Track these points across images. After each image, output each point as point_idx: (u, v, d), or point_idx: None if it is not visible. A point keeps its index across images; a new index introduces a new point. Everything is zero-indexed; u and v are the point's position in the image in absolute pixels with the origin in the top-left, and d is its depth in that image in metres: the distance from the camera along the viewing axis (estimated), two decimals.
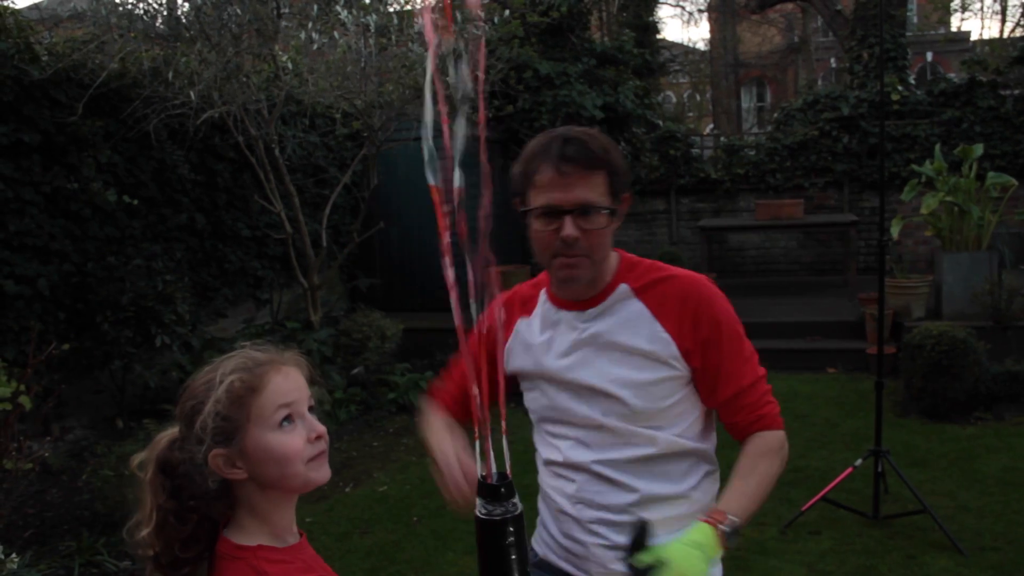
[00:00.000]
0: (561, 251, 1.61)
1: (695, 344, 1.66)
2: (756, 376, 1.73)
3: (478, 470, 1.15)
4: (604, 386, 1.67)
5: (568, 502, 1.74)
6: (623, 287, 1.71)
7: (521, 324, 1.81)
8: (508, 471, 1.14)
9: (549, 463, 1.80)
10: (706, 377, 1.69)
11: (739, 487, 1.60)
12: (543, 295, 1.79)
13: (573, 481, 1.73)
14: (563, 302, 1.74)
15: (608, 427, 1.69)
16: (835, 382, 6.99)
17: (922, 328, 6.00)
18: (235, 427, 1.25)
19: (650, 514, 1.57)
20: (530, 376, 1.79)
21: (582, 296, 1.71)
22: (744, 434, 1.70)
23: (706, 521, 1.49)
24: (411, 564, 4.11)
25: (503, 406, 1.17)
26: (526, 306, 1.82)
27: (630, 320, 1.68)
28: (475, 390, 1.13)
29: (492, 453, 1.12)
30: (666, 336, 1.66)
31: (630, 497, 1.68)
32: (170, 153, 6.46)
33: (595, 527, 1.71)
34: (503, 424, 1.15)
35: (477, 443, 1.14)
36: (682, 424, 1.71)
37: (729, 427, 1.73)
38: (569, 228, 1.58)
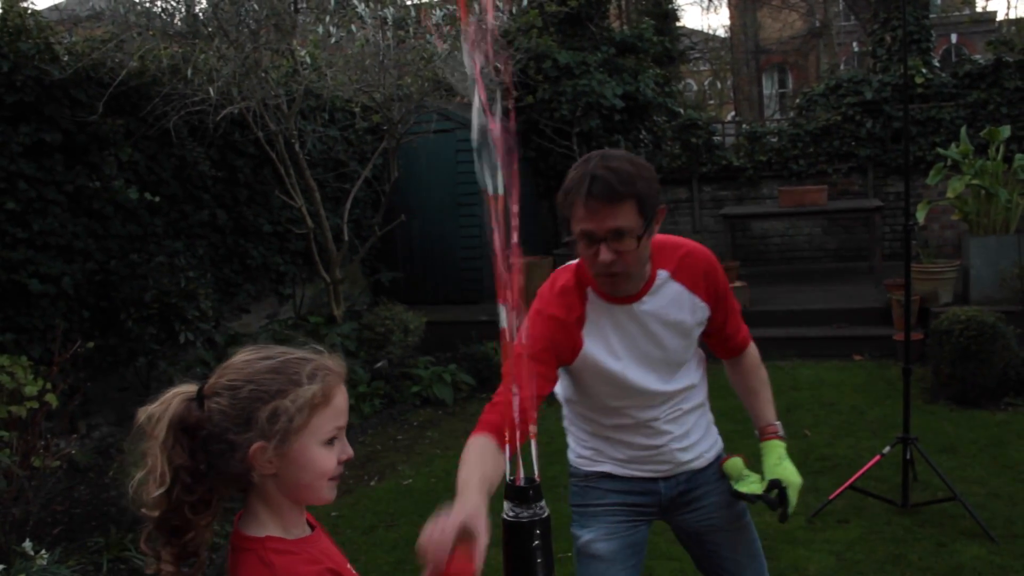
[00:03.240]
0: (600, 272, 1.93)
1: (716, 302, 2.12)
2: (739, 308, 2.26)
3: (507, 472, 1.14)
4: (664, 356, 2.09)
5: (641, 438, 2.17)
6: (662, 273, 2.06)
7: (586, 320, 2.06)
8: (537, 475, 1.13)
9: (614, 427, 2.17)
10: (717, 320, 2.16)
11: (765, 397, 2.26)
12: (590, 294, 2.05)
13: (645, 431, 2.16)
14: (614, 298, 2.04)
15: (664, 392, 2.12)
16: (862, 369, 6.92)
17: (950, 313, 5.92)
18: (295, 431, 1.25)
19: (692, 422, 2.20)
20: (597, 365, 2.07)
21: (632, 292, 2.03)
22: (734, 350, 2.26)
23: (773, 438, 2.19)
24: None
25: (534, 410, 1.16)
26: (578, 303, 2.07)
27: (675, 300, 2.07)
28: (514, 394, 1.13)
29: (521, 456, 1.11)
30: (703, 304, 2.10)
31: (687, 425, 2.21)
32: (190, 150, 6.48)
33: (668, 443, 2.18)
34: (533, 428, 1.14)
35: (507, 447, 1.13)
36: (695, 361, 2.20)
37: (720, 345, 2.25)
38: (604, 254, 1.87)
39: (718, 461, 2.26)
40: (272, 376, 1.26)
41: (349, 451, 1.34)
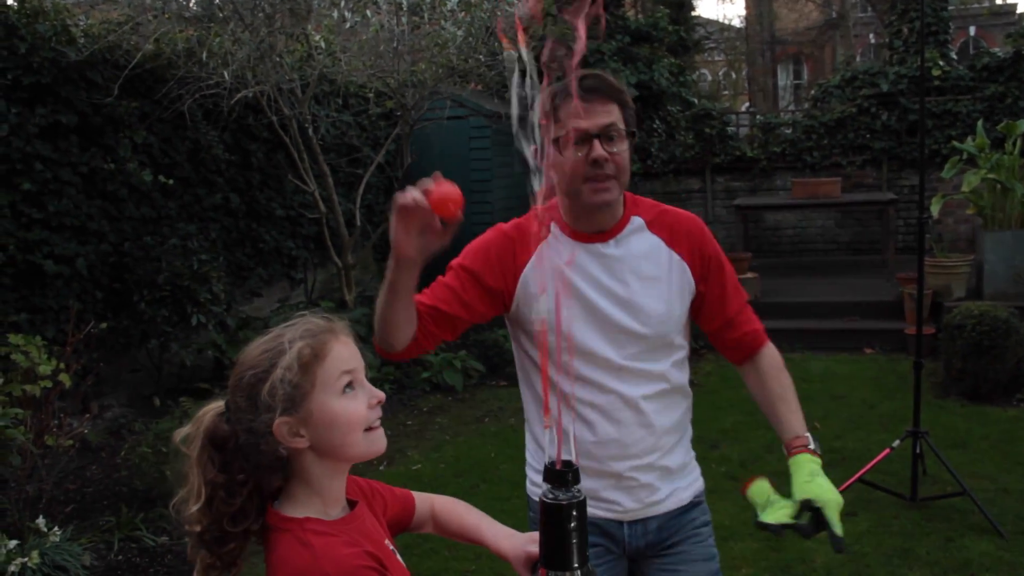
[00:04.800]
0: (591, 175, 1.74)
1: (705, 269, 1.87)
2: (747, 297, 1.98)
3: (546, 456, 1.17)
4: (632, 320, 1.80)
5: (609, 426, 1.83)
6: (637, 219, 1.85)
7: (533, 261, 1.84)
8: (575, 458, 1.16)
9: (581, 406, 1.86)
10: (712, 300, 1.89)
11: (790, 405, 1.90)
12: (553, 227, 1.84)
13: (596, 423, 1.82)
14: (581, 235, 1.83)
15: (628, 367, 1.81)
16: (873, 363, 6.90)
17: (962, 308, 5.89)
18: (303, 394, 1.26)
19: (665, 442, 1.85)
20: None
21: (603, 227, 1.82)
22: (748, 348, 1.93)
23: (802, 451, 1.81)
24: (445, 542, 4.12)
25: (572, 393, 1.18)
26: (530, 245, 1.84)
27: (651, 253, 1.84)
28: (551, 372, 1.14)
29: (560, 438, 1.14)
30: (686, 265, 1.85)
31: (652, 438, 1.85)
32: (204, 133, 6.50)
33: (631, 473, 1.84)
34: (572, 411, 1.17)
35: (547, 431, 1.16)
36: (678, 356, 1.89)
37: (731, 343, 1.93)
38: (598, 150, 1.72)
39: (694, 504, 1.93)
40: (264, 355, 1.28)
41: (378, 393, 1.33)
